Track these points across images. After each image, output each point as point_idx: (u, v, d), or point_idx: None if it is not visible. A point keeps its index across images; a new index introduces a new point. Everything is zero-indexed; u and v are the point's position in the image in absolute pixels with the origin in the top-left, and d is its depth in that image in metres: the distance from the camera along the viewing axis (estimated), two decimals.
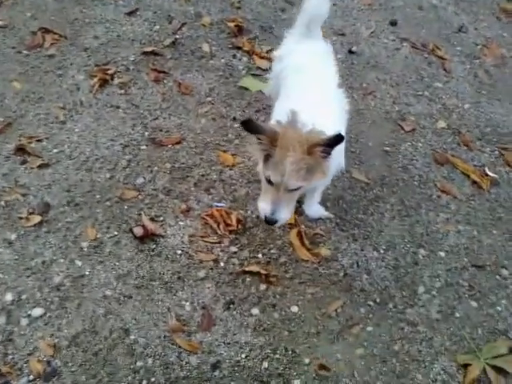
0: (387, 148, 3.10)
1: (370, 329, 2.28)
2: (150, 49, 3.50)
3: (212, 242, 2.52)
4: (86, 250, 2.43)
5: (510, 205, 2.88)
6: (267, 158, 1.98)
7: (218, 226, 2.57)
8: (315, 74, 2.35)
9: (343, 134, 1.99)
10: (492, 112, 3.45)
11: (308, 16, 2.47)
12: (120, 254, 2.44)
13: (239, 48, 3.67)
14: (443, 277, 2.50)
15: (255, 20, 3.94)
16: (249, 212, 2.67)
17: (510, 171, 3.06)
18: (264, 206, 2.03)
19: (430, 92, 3.54)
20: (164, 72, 3.39)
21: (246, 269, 2.41)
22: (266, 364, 2.14)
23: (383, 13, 4.18)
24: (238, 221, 2.60)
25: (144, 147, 2.93)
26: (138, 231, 2.50)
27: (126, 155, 2.87)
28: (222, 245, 2.52)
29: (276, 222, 2.03)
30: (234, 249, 2.51)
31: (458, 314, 2.37)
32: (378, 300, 2.39)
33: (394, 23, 4.12)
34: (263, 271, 2.40)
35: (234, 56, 3.61)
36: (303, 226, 2.63)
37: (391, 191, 2.86)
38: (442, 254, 2.60)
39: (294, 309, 2.32)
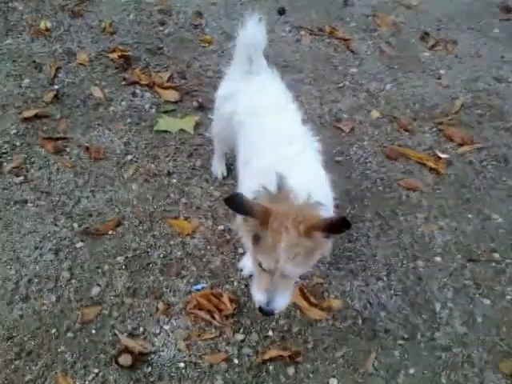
0: (338, 158, 2.90)
1: (412, 371, 2.12)
2: (30, 113, 2.85)
3: (213, 338, 2.13)
4: None
5: (470, 182, 2.88)
6: (257, 238, 1.64)
7: (212, 315, 2.18)
8: (277, 116, 2.03)
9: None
10: (412, 86, 3.42)
11: (246, 49, 2.15)
12: None
13: (135, 83, 3.15)
14: (450, 284, 2.42)
15: (138, 43, 3.41)
16: (235, 284, 2.31)
17: (455, 146, 3.06)
18: (258, 296, 1.72)
19: (349, 80, 3.40)
20: (61, 138, 2.78)
21: (265, 357, 2.08)
22: None
23: (268, 2, 3.88)
24: (231, 300, 2.23)
25: (80, 244, 2.37)
26: (126, 360, 2.01)
27: (64, 262, 2.30)
28: (225, 336, 2.15)
29: (273, 313, 1.73)
30: (240, 336, 2.15)
31: (479, 319, 2.31)
32: (405, 336, 2.22)
33: (281, 11, 3.86)
34: (284, 353, 2.10)
35: (134, 94, 3.09)
36: (298, 280, 2.35)
37: (363, 206, 2.68)
38: (438, 259, 2.51)
39: (333, 382, 2.06)
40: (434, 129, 3.15)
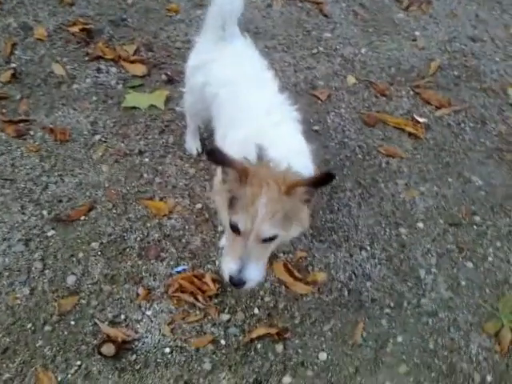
0: (316, 127, 2.82)
1: (400, 339, 2.12)
2: None
3: (197, 320, 2.07)
4: None
5: (449, 145, 2.85)
6: (233, 202, 1.56)
7: (195, 297, 2.11)
8: (253, 86, 1.94)
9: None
10: (387, 50, 3.33)
11: (221, 15, 2.03)
12: None
13: (100, 58, 2.97)
14: (433, 249, 2.40)
15: (99, 15, 3.21)
16: (217, 263, 2.24)
17: (432, 109, 3.01)
18: (228, 264, 1.58)
19: (324, 46, 3.28)
20: (23, 121, 2.62)
21: (253, 336, 2.04)
22: None
23: None
24: (214, 280, 2.17)
25: (52, 232, 2.26)
26: (109, 350, 1.93)
27: (35, 253, 2.18)
28: (210, 317, 2.09)
29: (244, 283, 1.58)
30: (225, 317, 2.10)
31: (463, 283, 2.31)
32: (392, 304, 2.21)
33: None
34: (272, 330, 2.06)
35: (99, 70, 2.93)
36: (281, 255, 2.30)
37: (343, 175, 2.63)
38: (421, 225, 2.49)
39: (323, 356, 2.04)
40: (411, 92, 3.09)
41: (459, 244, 2.44)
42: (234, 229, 1.56)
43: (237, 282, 1.57)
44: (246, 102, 1.86)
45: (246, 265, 1.55)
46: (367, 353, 2.07)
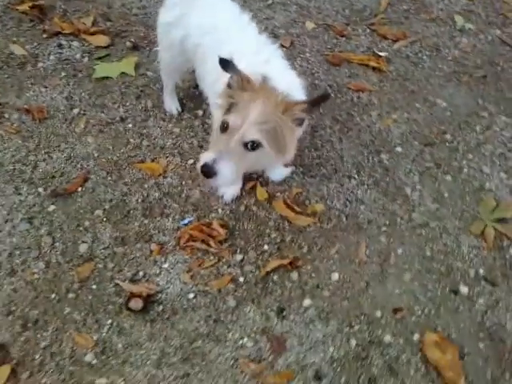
0: None
1: (400, 251, 2.30)
2: None
3: (213, 265, 2.17)
4: (95, 362, 1.89)
5: (411, 74, 3.03)
6: (231, 107, 1.73)
7: (207, 243, 2.21)
8: (235, 29, 2.03)
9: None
10: None
11: None
12: (134, 340, 1.96)
13: (58, 33, 2.93)
14: (414, 169, 2.59)
15: None
16: (220, 211, 2.34)
17: (390, 43, 3.17)
18: (206, 154, 1.69)
19: None
20: None
21: (268, 269, 2.16)
22: (353, 342, 2.02)
23: None
24: (222, 226, 2.26)
25: (52, 207, 2.27)
26: (137, 304, 2.01)
27: (41, 229, 2.20)
28: (224, 260, 2.19)
29: (215, 174, 1.65)
30: (239, 257, 2.20)
31: (446, 194, 2.52)
32: (387, 222, 2.38)
33: None
34: (284, 261, 2.19)
35: (60, 45, 2.89)
36: (279, 194, 2.42)
37: (320, 114, 2.75)
38: (399, 149, 2.66)
39: (335, 276, 2.19)
40: (368, 30, 3.24)
41: (436, 161, 2.64)
42: (223, 126, 1.68)
43: (208, 171, 1.65)
44: (232, 45, 1.93)
45: (221, 159, 1.65)
46: (373, 268, 2.24)
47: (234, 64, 1.71)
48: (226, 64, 1.71)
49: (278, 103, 1.66)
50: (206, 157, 1.67)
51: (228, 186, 2.28)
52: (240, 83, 1.71)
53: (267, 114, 1.64)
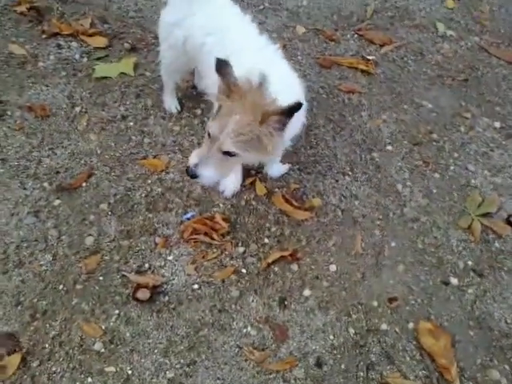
0: None
1: (393, 244, 2.42)
2: None
3: (216, 257, 2.25)
4: (104, 350, 1.95)
5: (397, 77, 3.17)
6: (218, 110, 1.83)
7: (210, 236, 2.28)
8: (238, 30, 2.10)
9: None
10: (327, 0, 3.58)
11: None
12: (142, 329, 2.02)
13: (57, 34, 2.97)
14: (404, 166, 2.72)
15: None
16: (221, 206, 2.42)
17: (377, 47, 3.32)
18: (192, 157, 1.87)
19: (269, 2, 3.49)
20: None
21: (269, 261, 2.25)
22: (351, 330, 2.13)
23: None
24: (224, 219, 2.34)
25: (58, 201, 2.32)
26: (144, 294, 2.07)
27: (47, 222, 2.24)
28: (227, 252, 2.27)
29: (196, 176, 1.85)
30: (240, 249, 2.29)
31: (434, 190, 2.64)
32: (380, 217, 2.50)
33: None
34: (284, 253, 2.28)
35: (59, 46, 2.94)
36: (277, 189, 2.52)
37: (313, 114, 2.86)
38: (390, 147, 2.79)
39: (333, 268, 2.30)
40: (356, 35, 3.37)
41: (424, 159, 2.77)
42: (208, 133, 1.81)
43: (190, 174, 1.85)
44: (236, 44, 2.02)
45: (202, 164, 1.82)
46: (369, 259, 2.36)
47: (229, 65, 1.75)
48: (222, 65, 1.75)
49: (256, 115, 1.72)
50: (190, 160, 1.84)
51: (226, 180, 2.37)
52: (225, 89, 1.76)
53: (244, 126, 1.73)
